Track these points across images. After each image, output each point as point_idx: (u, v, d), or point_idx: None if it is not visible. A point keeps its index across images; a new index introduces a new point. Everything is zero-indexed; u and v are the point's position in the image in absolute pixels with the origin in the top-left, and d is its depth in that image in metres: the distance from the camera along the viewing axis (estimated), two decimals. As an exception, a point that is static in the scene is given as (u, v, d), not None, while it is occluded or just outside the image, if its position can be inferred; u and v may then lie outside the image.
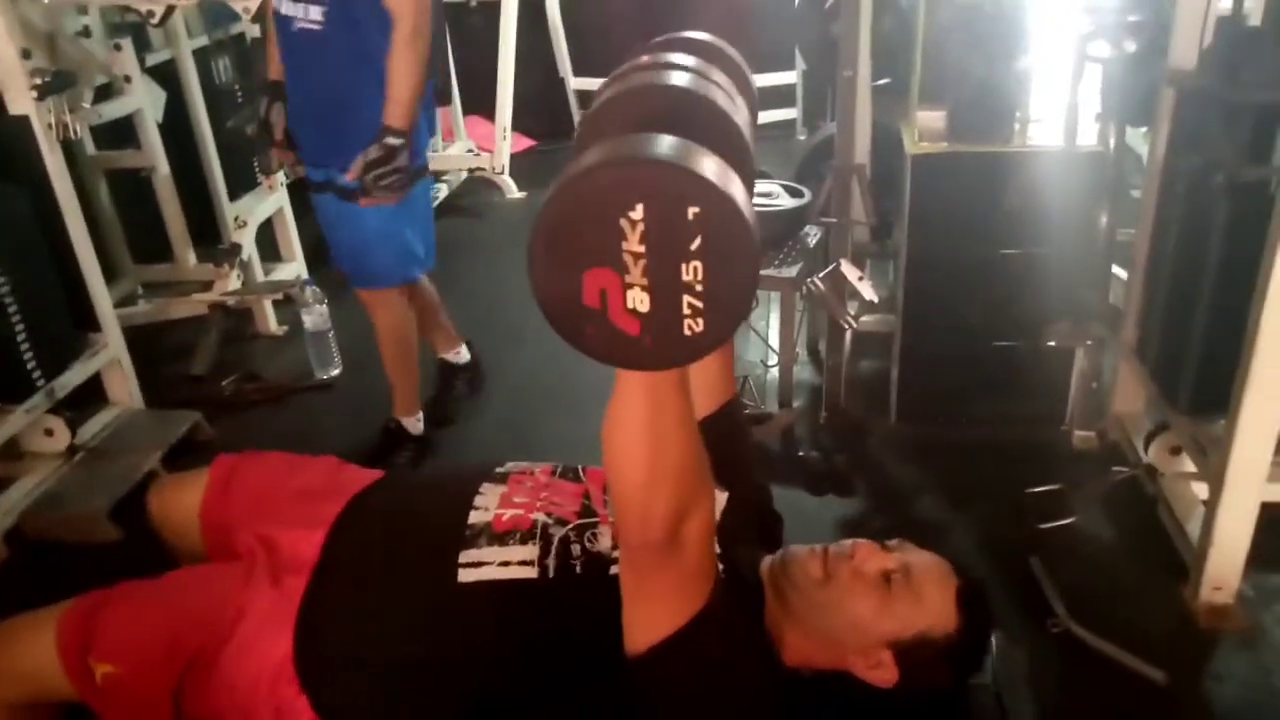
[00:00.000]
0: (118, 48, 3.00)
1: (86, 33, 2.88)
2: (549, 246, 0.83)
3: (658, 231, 0.80)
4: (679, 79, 0.97)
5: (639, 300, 0.83)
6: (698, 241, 0.80)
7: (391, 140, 2.15)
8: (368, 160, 2.16)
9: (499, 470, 1.45)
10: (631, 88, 0.97)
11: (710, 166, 0.81)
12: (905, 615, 1.27)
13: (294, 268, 3.66)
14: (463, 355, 2.95)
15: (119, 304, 3.07)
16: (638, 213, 0.79)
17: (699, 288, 0.82)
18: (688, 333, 0.84)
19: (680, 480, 1.00)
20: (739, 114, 0.99)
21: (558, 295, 0.84)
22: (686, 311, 0.83)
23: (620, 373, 0.95)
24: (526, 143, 5.68)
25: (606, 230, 0.80)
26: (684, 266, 0.81)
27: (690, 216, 0.79)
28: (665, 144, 0.82)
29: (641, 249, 0.81)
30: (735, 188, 0.81)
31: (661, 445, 0.98)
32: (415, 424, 2.67)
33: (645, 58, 1.12)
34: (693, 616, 1.11)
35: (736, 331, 0.88)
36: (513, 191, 4.94)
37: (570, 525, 1.33)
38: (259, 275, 3.55)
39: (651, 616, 1.12)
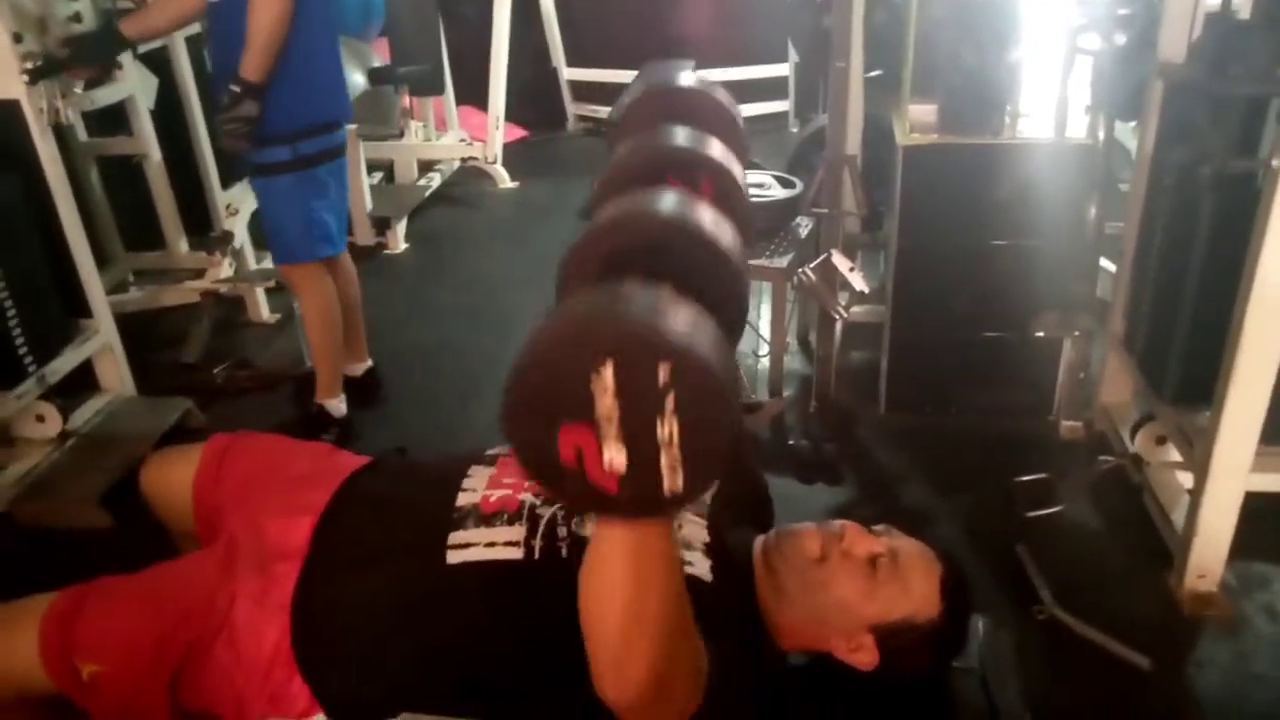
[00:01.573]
0: (109, 34, 2.99)
1: (78, 18, 2.85)
2: (522, 402, 0.81)
3: (630, 389, 0.78)
4: (665, 204, 0.95)
5: (615, 458, 0.80)
6: (671, 399, 0.78)
7: (234, 87, 2.21)
8: (219, 104, 2.25)
9: (488, 454, 1.46)
10: (618, 216, 0.96)
11: (680, 322, 0.79)
12: (890, 599, 1.29)
13: (286, 256, 3.65)
14: (356, 370, 2.86)
15: (111, 291, 3.05)
16: (608, 370, 0.78)
17: (676, 446, 0.79)
18: (667, 492, 0.81)
19: (661, 633, 0.94)
20: (725, 231, 0.97)
21: (533, 451, 0.82)
22: (665, 469, 0.80)
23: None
24: (519, 133, 5.69)
25: (578, 387, 0.78)
26: (659, 424, 0.79)
27: (662, 375, 0.77)
28: (632, 300, 0.80)
29: (615, 406, 0.79)
30: (706, 342, 0.80)
31: (643, 592, 0.92)
32: (338, 405, 2.68)
33: (640, 161, 1.12)
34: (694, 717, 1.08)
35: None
36: (505, 181, 4.94)
37: (558, 504, 1.34)
38: (251, 263, 3.55)
39: None
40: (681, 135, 1.15)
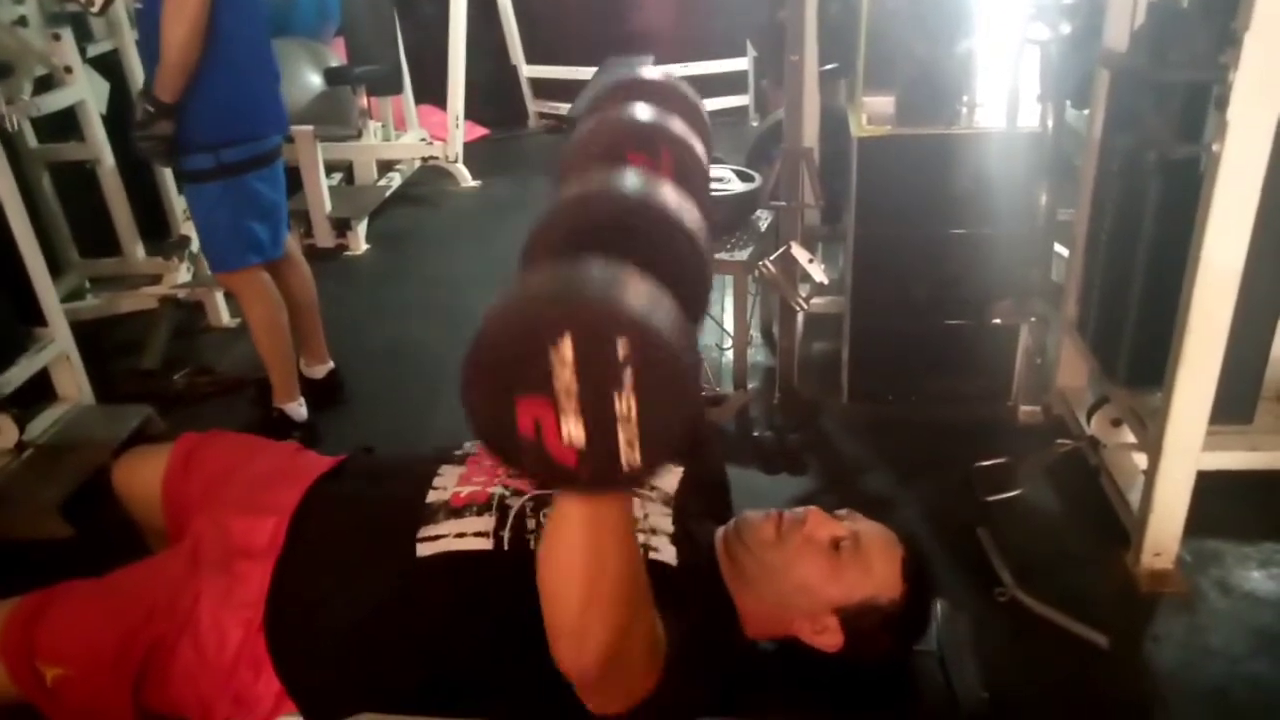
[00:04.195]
0: (57, 38, 2.94)
1: (23, 22, 2.81)
2: (481, 373, 0.81)
3: (588, 363, 0.78)
4: (629, 182, 0.95)
5: (574, 432, 0.80)
6: (629, 374, 0.78)
7: (148, 107, 2.19)
8: (135, 119, 2.22)
9: (457, 453, 1.46)
10: (580, 194, 0.96)
11: (639, 297, 0.79)
12: (852, 581, 1.31)
13: (245, 259, 3.61)
14: (317, 373, 2.85)
15: (66, 299, 3.02)
16: (566, 345, 0.78)
17: (634, 421, 0.79)
18: (626, 467, 0.81)
19: (617, 605, 0.97)
20: (688, 210, 0.97)
21: (492, 422, 0.82)
22: (623, 444, 0.80)
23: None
24: (480, 131, 5.67)
25: (536, 361, 0.78)
26: (617, 399, 0.79)
27: (620, 350, 0.77)
28: (592, 275, 0.80)
29: (573, 380, 0.79)
30: (664, 317, 0.80)
31: (600, 564, 0.94)
32: (298, 409, 2.67)
33: (601, 137, 1.12)
34: (651, 692, 1.10)
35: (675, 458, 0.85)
36: (467, 180, 4.92)
37: (527, 496, 1.34)
38: (209, 267, 3.51)
39: (605, 704, 1.10)
40: (643, 111, 1.15)
